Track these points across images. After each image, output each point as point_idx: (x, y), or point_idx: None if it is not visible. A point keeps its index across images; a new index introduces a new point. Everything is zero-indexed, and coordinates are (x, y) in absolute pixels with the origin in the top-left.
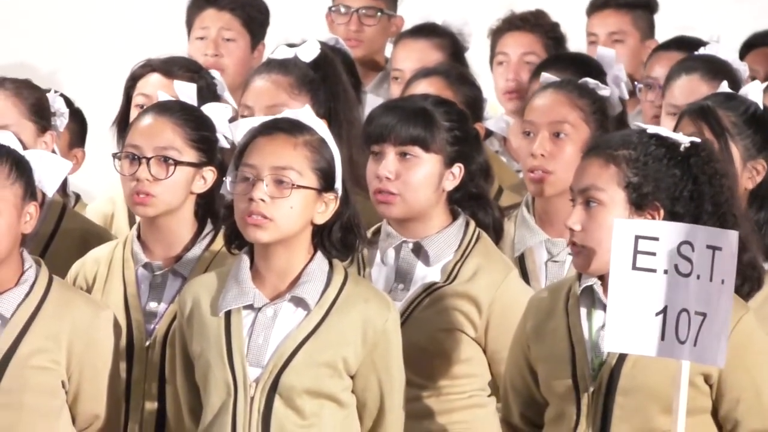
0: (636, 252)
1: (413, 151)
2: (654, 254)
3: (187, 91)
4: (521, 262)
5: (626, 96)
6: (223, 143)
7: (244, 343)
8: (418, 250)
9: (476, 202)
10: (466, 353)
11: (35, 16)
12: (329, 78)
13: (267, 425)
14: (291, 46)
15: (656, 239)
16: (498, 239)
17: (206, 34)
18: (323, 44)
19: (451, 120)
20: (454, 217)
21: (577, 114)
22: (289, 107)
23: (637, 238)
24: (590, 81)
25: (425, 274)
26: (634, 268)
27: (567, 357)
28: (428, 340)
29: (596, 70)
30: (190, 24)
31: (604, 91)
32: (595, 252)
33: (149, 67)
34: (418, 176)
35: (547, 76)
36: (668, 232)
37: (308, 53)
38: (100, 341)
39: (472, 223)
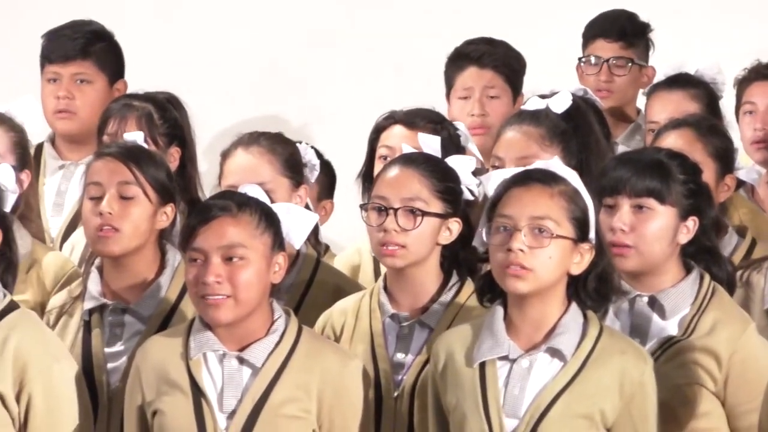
0: None
1: (648, 203)
2: None
3: (431, 143)
4: None
5: None
6: (467, 195)
7: (500, 395)
8: (653, 304)
9: (710, 256)
10: (706, 407)
11: (287, 71)
12: (581, 129)
13: None
14: (543, 97)
15: None
16: (731, 293)
17: (469, 94)
18: (575, 95)
19: (685, 173)
20: (688, 270)
21: None
22: (540, 158)
23: None
24: None
25: (661, 327)
26: None
27: None
28: (668, 394)
29: None
30: (449, 82)
31: None
32: None
33: (392, 119)
34: (653, 229)
35: None
36: None
37: (560, 104)
38: (349, 391)
39: (707, 277)
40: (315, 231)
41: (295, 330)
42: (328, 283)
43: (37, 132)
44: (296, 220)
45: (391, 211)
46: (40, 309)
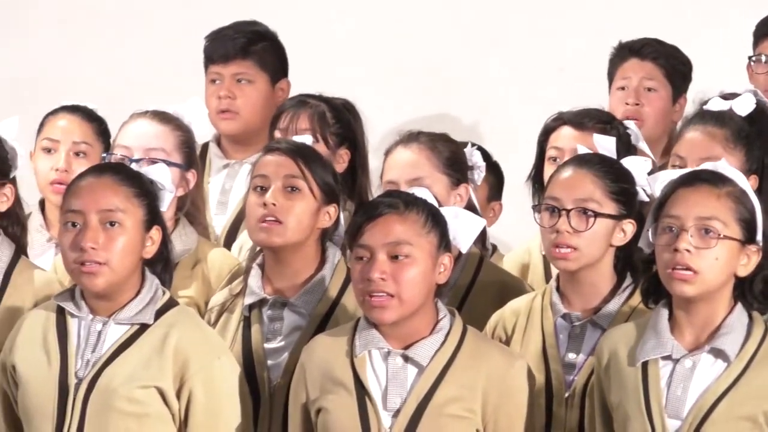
0: None
1: None
2: None
3: (606, 144)
4: None
5: None
6: (642, 196)
7: (662, 395)
8: None
9: None
10: None
11: (457, 67)
12: (764, 132)
13: None
14: (725, 98)
15: None
16: None
17: (627, 84)
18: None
19: None
20: None
21: None
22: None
23: None
24: None
25: None
26: None
27: None
28: None
29: None
30: (611, 75)
31: None
32: None
33: (561, 120)
34: None
35: None
36: None
37: (744, 106)
38: (515, 391)
39: None
40: (483, 235)
41: (459, 330)
42: (492, 282)
43: (204, 134)
44: (464, 224)
45: (564, 212)
46: (205, 306)
